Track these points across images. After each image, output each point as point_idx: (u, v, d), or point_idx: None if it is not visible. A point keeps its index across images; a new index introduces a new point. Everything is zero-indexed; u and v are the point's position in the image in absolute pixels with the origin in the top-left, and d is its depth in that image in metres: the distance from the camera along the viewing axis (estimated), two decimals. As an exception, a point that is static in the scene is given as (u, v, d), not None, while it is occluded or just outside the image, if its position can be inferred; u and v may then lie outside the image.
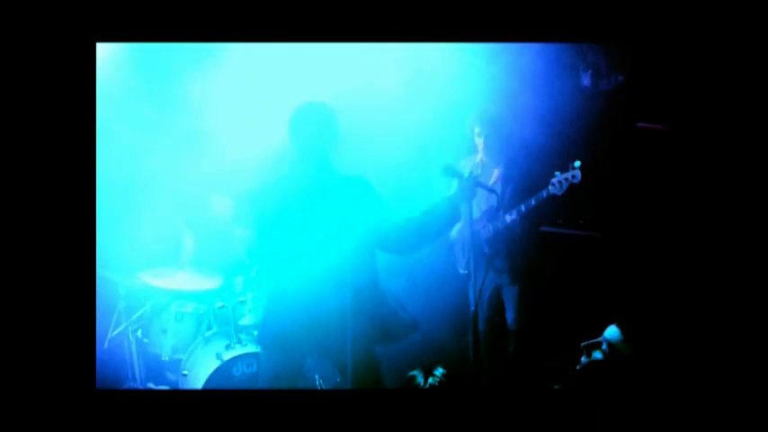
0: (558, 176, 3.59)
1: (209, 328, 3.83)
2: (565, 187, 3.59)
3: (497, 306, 3.93)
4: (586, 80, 4.88)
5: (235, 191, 3.81)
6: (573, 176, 3.59)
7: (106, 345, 3.56)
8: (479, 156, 3.92)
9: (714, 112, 2.70)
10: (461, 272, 3.92)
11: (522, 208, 3.68)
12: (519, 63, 4.29)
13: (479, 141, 3.86)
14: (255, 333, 3.52)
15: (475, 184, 2.81)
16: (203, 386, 3.51)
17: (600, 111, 4.84)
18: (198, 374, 3.55)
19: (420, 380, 2.46)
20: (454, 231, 3.77)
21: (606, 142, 4.79)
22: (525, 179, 3.82)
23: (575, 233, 4.49)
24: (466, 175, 2.82)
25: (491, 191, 3.02)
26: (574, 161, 3.62)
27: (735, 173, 2.66)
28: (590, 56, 4.88)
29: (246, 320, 3.76)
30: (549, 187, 3.60)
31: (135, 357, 3.61)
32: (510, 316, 3.89)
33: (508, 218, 3.74)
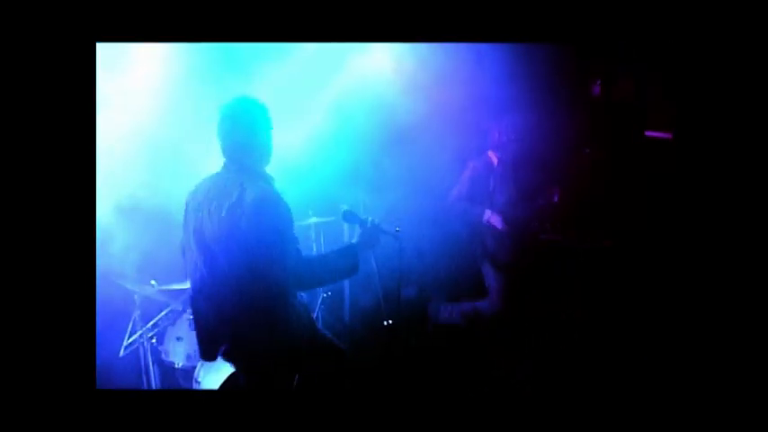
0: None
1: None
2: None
3: None
4: (597, 90, 4.99)
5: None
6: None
7: (122, 353, 3.51)
8: (494, 159, 4.21)
9: (722, 119, 2.68)
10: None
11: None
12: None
13: (510, 146, 4.16)
14: None
15: (377, 230, 2.69)
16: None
17: (608, 120, 4.92)
18: (211, 382, 3.52)
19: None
20: None
21: (614, 151, 4.84)
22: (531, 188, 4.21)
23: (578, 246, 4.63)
24: (369, 222, 2.70)
25: (395, 237, 2.81)
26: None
27: (742, 182, 2.64)
28: (601, 65, 4.98)
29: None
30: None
31: (150, 365, 3.59)
32: None
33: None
